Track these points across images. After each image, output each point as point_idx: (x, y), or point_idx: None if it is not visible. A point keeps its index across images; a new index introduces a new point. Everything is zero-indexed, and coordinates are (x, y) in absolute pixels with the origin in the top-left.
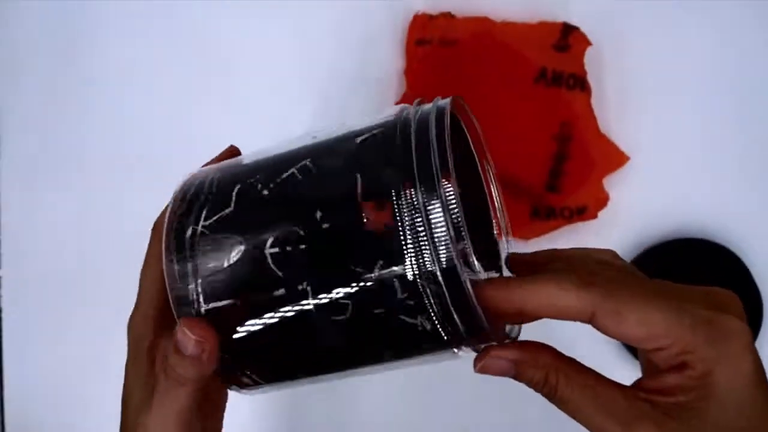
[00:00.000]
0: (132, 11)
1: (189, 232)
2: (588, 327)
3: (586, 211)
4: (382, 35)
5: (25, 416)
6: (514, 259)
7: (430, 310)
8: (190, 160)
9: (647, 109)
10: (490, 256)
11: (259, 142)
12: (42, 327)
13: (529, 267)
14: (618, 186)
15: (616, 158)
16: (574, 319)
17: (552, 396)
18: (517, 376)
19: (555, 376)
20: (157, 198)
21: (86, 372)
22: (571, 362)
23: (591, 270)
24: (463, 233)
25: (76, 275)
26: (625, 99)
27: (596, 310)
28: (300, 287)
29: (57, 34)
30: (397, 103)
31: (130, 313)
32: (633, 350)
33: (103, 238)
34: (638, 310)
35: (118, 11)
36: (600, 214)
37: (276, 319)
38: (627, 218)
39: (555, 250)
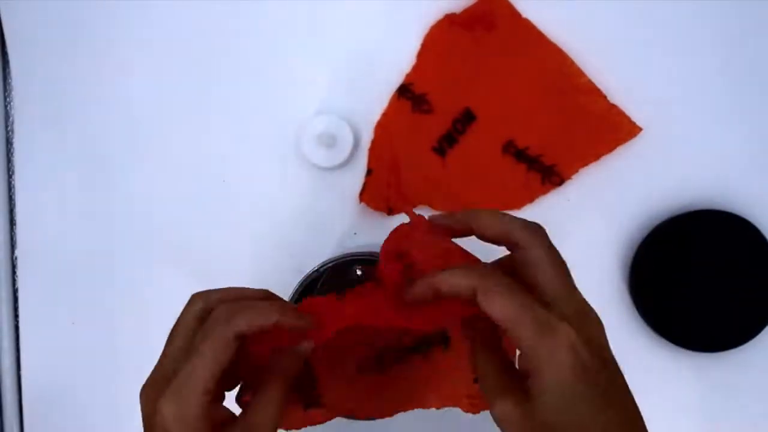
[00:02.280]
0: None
1: None
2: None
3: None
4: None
5: (42, 398)
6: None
7: None
8: (201, 147)
9: (661, 80)
10: None
11: (270, 126)
12: (58, 308)
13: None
14: (634, 157)
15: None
16: (465, 295)
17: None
18: (435, 295)
19: (479, 345)
20: (170, 182)
21: (103, 352)
22: (488, 327)
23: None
24: None
25: (92, 256)
26: (638, 70)
27: (477, 288)
28: None
29: (70, 24)
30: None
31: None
32: (659, 330)
33: (120, 218)
34: (501, 297)
35: None
36: (617, 186)
37: None
38: (642, 190)
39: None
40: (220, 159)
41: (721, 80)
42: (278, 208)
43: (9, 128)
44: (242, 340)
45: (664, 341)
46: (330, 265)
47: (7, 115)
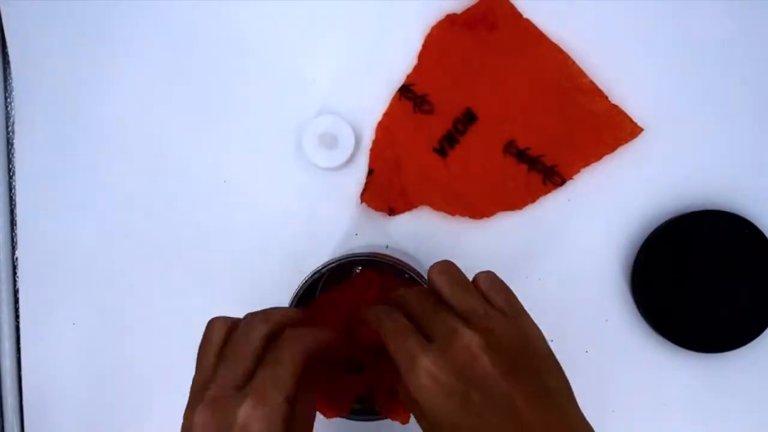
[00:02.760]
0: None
1: None
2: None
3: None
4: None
5: (43, 399)
6: None
7: None
8: (202, 148)
9: (662, 80)
10: None
11: (272, 126)
12: (59, 309)
13: None
14: (636, 157)
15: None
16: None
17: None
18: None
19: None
20: (171, 183)
21: (103, 353)
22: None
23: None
24: None
25: (93, 257)
26: (639, 70)
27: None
28: None
29: (71, 25)
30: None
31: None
32: (662, 332)
33: (120, 219)
34: (387, 338)
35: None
36: (618, 186)
37: None
38: (644, 191)
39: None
40: (221, 160)
41: (723, 81)
42: (279, 209)
43: (10, 129)
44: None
45: (665, 341)
46: (332, 265)
47: (8, 116)
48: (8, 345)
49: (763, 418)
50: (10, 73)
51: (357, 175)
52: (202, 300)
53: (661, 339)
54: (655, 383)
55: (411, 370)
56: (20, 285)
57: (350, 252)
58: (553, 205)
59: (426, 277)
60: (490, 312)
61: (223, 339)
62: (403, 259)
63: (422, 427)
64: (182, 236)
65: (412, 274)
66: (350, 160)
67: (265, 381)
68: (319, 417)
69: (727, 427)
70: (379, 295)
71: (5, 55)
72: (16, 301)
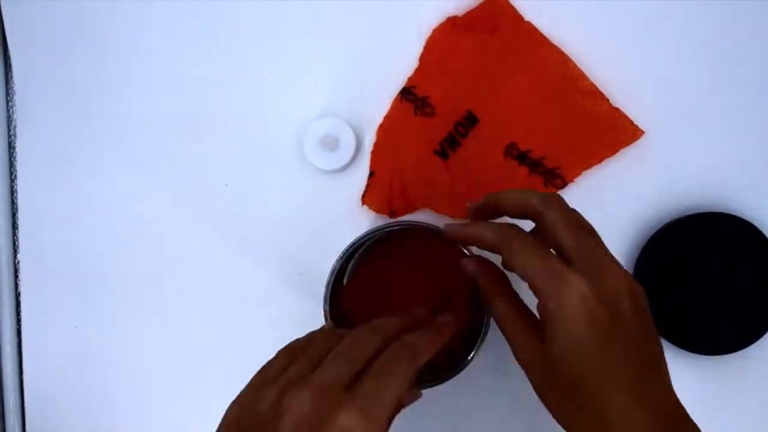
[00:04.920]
0: None
1: None
2: None
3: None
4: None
5: (45, 402)
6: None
7: None
8: (203, 151)
9: (663, 83)
10: None
11: (273, 129)
12: (60, 312)
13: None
14: (637, 160)
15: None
16: (487, 247)
17: (487, 302)
18: (476, 279)
19: (493, 293)
20: (172, 186)
21: (105, 357)
22: (505, 287)
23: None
24: None
25: (94, 260)
26: (640, 73)
27: (500, 246)
28: None
29: (72, 28)
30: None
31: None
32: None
33: (122, 223)
34: (521, 252)
35: None
36: (619, 189)
37: None
38: (645, 193)
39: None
40: (222, 163)
41: (724, 82)
42: (280, 212)
43: (11, 132)
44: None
45: (667, 344)
46: (369, 238)
47: (10, 119)
48: (10, 348)
49: (764, 421)
50: (11, 76)
51: (358, 178)
52: (203, 304)
53: (662, 341)
54: None
55: (560, 287)
56: (22, 288)
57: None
58: None
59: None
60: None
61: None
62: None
63: (528, 359)
64: (183, 240)
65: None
66: (351, 162)
67: (373, 393)
68: None
69: (728, 430)
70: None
71: (7, 57)
72: (17, 304)
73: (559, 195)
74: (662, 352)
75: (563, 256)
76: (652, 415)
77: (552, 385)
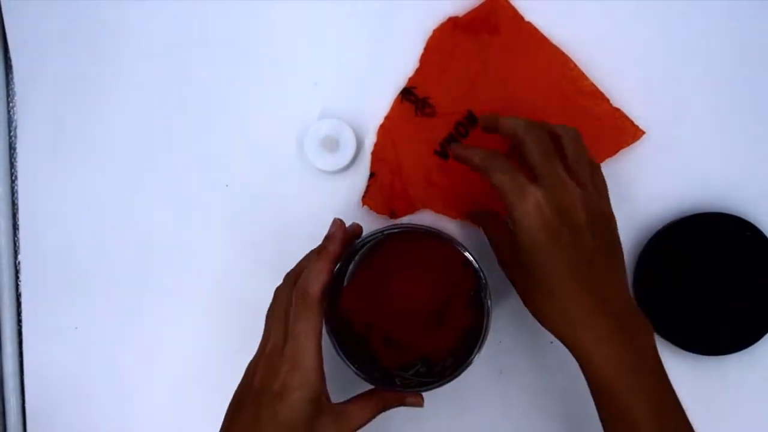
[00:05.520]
0: None
1: None
2: None
3: None
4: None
5: (45, 403)
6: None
7: None
8: (203, 152)
9: (663, 83)
10: None
11: (273, 130)
12: (61, 313)
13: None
14: (638, 160)
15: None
16: (474, 167)
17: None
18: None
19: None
20: (173, 186)
21: (105, 357)
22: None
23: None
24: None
25: (94, 261)
26: (640, 73)
27: (480, 164)
28: None
29: (73, 30)
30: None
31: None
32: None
33: (122, 224)
34: (495, 171)
35: None
36: (620, 189)
37: None
38: (645, 193)
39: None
40: (222, 163)
41: (725, 82)
42: (281, 212)
43: (12, 133)
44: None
45: (667, 344)
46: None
47: (10, 120)
48: (11, 348)
49: (764, 421)
50: (12, 78)
51: (359, 179)
52: (204, 304)
53: (663, 341)
54: None
55: (521, 198)
56: (22, 289)
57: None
58: None
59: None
60: (589, 183)
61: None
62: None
63: (509, 265)
64: (183, 240)
65: (445, 239)
66: (352, 163)
67: (293, 352)
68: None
69: (728, 430)
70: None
71: (8, 60)
72: (18, 305)
73: (543, 124)
74: (617, 263)
75: (532, 175)
76: (601, 307)
77: (522, 278)
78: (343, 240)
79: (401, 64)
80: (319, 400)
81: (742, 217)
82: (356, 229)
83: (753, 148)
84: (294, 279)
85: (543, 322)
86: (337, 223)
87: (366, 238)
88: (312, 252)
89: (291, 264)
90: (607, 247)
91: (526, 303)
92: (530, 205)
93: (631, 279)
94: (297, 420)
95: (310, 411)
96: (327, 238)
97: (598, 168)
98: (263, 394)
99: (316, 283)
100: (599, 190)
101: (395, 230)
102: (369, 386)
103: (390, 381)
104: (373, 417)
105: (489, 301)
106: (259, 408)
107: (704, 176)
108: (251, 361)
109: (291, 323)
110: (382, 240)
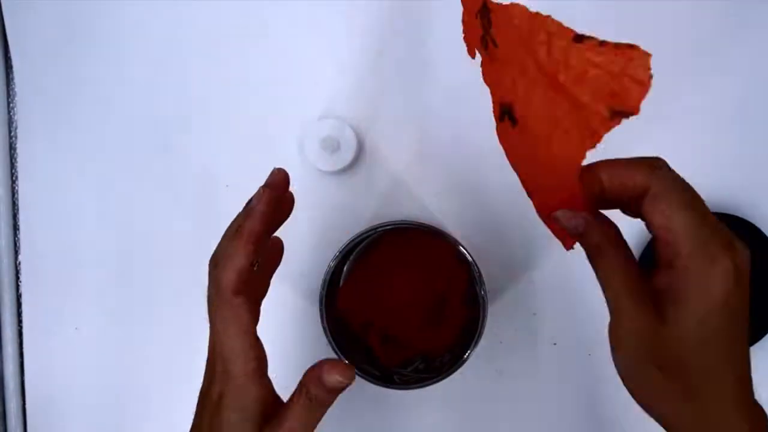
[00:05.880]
0: None
1: None
2: None
3: None
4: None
5: (46, 404)
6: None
7: None
8: (204, 153)
9: (662, 83)
10: None
11: (274, 130)
12: (61, 314)
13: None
14: None
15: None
16: (632, 192)
17: (595, 258)
18: (582, 234)
19: (607, 246)
20: (173, 187)
21: (106, 358)
22: (621, 242)
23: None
24: None
25: (95, 262)
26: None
27: (652, 188)
28: None
29: (73, 30)
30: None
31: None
32: None
33: (123, 224)
34: (672, 202)
35: None
36: None
37: None
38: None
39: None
40: (223, 164)
41: (725, 83)
42: None
43: (12, 134)
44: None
45: None
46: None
47: (11, 121)
48: (11, 349)
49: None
50: (12, 78)
51: (360, 179)
52: (204, 304)
53: None
54: None
55: (708, 262)
56: (23, 290)
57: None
58: None
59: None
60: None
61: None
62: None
63: (639, 329)
64: (184, 241)
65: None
66: (353, 163)
67: (220, 350)
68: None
69: None
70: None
71: (8, 60)
72: (19, 305)
73: (660, 159)
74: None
75: (696, 198)
76: (748, 416)
77: (654, 365)
78: (265, 214)
79: (402, 64)
80: (259, 415)
81: (742, 217)
82: (280, 182)
83: (753, 148)
84: (214, 262)
85: (662, 421)
86: (260, 192)
87: (361, 235)
88: (228, 228)
89: (291, 264)
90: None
91: (647, 397)
92: (719, 280)
93: None
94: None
95: (251, 419)
96: (246, 212)
97: None
98: (205, 398)
99: (230, 271)
100: None
101: (389, 227)
102: (368, 385)
103: (389, 379)
104: (314, 418)
105: (484, 293)
106: (202, 416)
107: (705, 176)
108: None
109: (211, 321)
110: (377, 238)
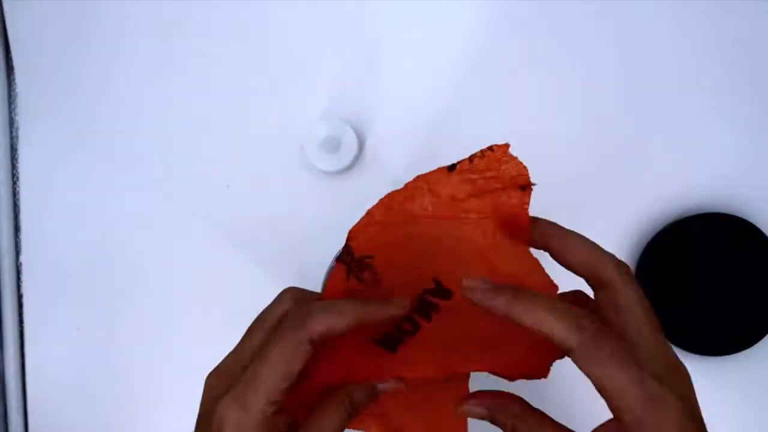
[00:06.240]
0: None
1: None
2: None
3: None
4: None
5: (47, 404)
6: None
7: None
8: (204, 153)
9: (662, 83)
10: None
11: (274, 131)
12: (63, 314)
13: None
14: (639, 161)
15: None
16: (556, 343)
17: None
18: (491, 421)
19: (521, 425)
20: (174, 188)
21: (107, 358)
22: (535, 413)
23: (579, 312)
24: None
25: (96, 262)
26: (639, 74)
27: (576, 348)
28: None
29: (75, 31)
30: None
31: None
32: None
33: (123, 224)
34: (608, 364)
35: None
36: (620, 190)
37: None
38: (646, 194)
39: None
40: (224, 164)
41: (725, 83)
42: (282, 213)
43: (13, 135)
44: (318, 346)
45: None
46: None
47: (12, 121)
48: (12, 349)
49: (765, 422)
50: (14, 79)
51: (360, 179)
52: (205, 305)
53: None
54: None
55: (659, 412)
56: (24, 290)
57: None
58: (555, 208)
59: None
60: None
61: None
62: None
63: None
64: (185, 242)
65: None
66: (353, 163)
67: (249, 377)
68: None
69: (729, 430)
70: None
71: (9, 61)
72: (20, 305)
73: (629, 267)
74: None
75: (628, 345)
76: None
77: None
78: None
79: (402, 64)
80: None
81: (742, 217)
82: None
83: (753, 148)
84: (308, 308)
85: None
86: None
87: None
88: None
89: (292, 264)
90: None
91: None
92: (672, 428)
93: None
94: None
95: None
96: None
97: None
98: (202, 418)
99: (323, 324)
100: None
101: None
102: None
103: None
104: (343, 423)
105: None
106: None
107: (704, 176)
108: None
109: (266, 342)
110: None
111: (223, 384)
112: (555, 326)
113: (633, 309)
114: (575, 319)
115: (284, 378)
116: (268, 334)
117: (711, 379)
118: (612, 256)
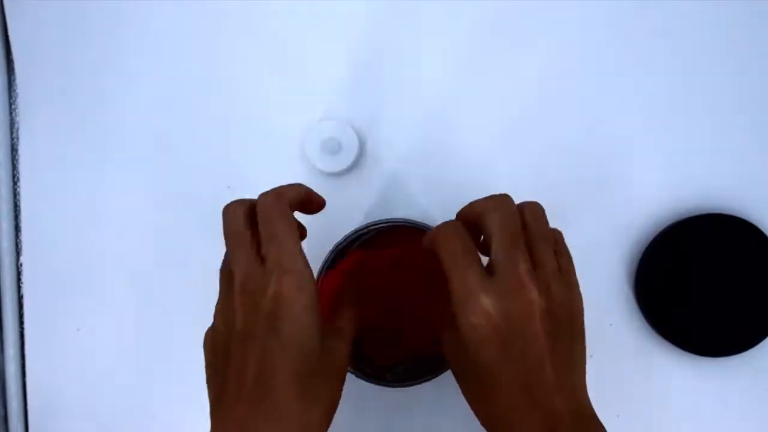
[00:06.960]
0: None
1: None
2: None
3: None
4: None
5: (47, 405)
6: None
7: None
8: (205, 154)
9: (662, 84)
10: None
11: (275, 131)
12: (63, 315)
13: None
14: (639, 162)
15: None
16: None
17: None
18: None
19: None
20: (175, 188)
21: (108, 359)
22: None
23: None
24: None
25: (97, 262)
26: (639, 74)
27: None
28: None
29: (75, 32)
30: None
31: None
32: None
33: (124, 225)
34: (448, 261)
35: None
36: (621, 190)
37: None
38: (647, 194)
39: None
40: (225, 165)
41: (725, 83)
42: None
43: (14, 135)
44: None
45: (670, 345)
46: (355, 236)
47: (12, 122)
48: (13, 351)
49: (765, 422)
50: (14, 79)
51: (361, 180)
52: (206, 305)
53: (665, 343)
54: (659, 387)
55: (467, 307)
56: (24, 291)
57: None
58: (555, 209)
59: None
60: (556, 273)
61: (245, 224)
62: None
63: (454, 361)
64: (186, 243)
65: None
66: (354, 165)
67: (278, 255)
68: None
69: (729, 431)
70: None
71: (10, 62)
72: (20, 306)
73: (505, 197)
74: (573, 361)
75: (490, 265)
76: (547, 420)
77: (463, 373)
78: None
79: (403, 64)
80: (319, 311)
81: (743, 217)
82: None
83: (753, 148)
84: (273, 191)
85: (482, 421)
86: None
87: (354, 233)
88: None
89: None
90: (564, 348)
91: (468, 401)
92: (478, 317)
93: (634, 280)
94: (306, 337)
95: (315, 323)
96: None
97: (562, 241)
98: (255, 326)
99: (293, 192)
100: (565, 272)
101: (383, 225)
102: (362, 385)
103: (381, 377)
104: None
105: None
106: (252, 348)
107: (704, 177)
108: (210, 327)
109: (267, 227)
110: (371, 237)
111: (256, 294)
112: (429, 236)
113: (491, 234)
114: (440, 230)
115: (297, 241)
116: (252, 241)
117: (711, 381)
118: (482, 200)
